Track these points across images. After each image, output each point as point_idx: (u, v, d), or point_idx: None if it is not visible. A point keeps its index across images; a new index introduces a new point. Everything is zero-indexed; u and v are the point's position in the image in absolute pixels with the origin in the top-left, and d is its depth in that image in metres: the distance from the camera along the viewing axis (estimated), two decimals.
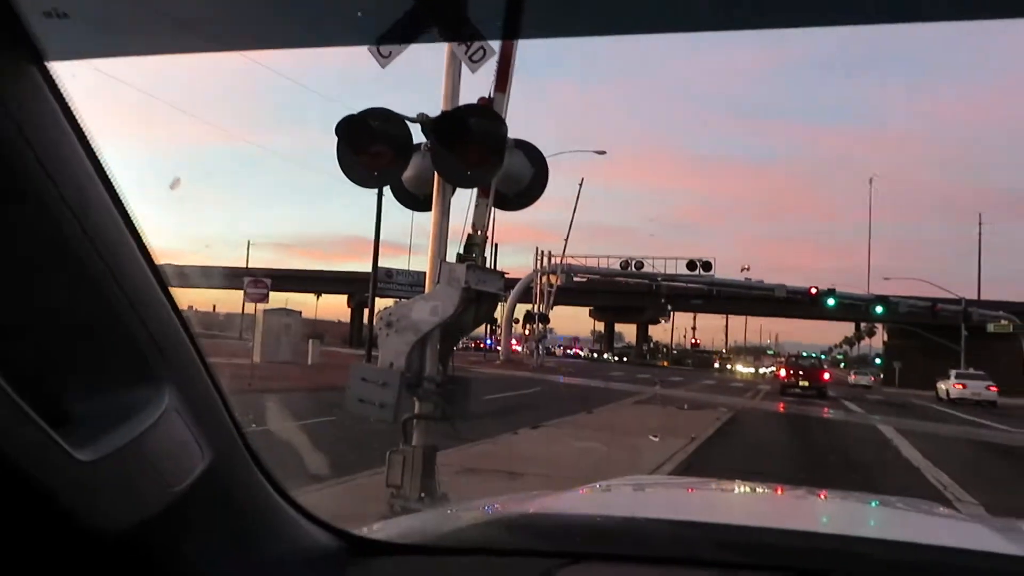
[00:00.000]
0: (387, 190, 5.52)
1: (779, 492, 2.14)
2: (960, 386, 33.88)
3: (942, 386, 36.14)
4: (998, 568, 1.16)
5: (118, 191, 0.78)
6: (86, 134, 0.74)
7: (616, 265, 55.35)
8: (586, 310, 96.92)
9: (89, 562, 0.82)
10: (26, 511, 0.69)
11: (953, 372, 35.69)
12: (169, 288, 0.84)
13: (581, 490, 1.73)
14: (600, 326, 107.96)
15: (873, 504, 1.98)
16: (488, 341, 62.89)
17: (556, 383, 30.52)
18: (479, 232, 5.29)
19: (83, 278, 0.73)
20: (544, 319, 50.29)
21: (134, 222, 0.79)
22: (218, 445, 0.89)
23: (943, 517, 2.00)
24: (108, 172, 0.77)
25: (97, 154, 0.75)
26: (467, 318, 5.23)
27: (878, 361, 77.84)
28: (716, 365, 78.88)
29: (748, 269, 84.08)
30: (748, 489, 2.09)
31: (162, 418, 0.79)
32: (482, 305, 5.24)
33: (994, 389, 33.25)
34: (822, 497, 2.00)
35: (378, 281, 28.10)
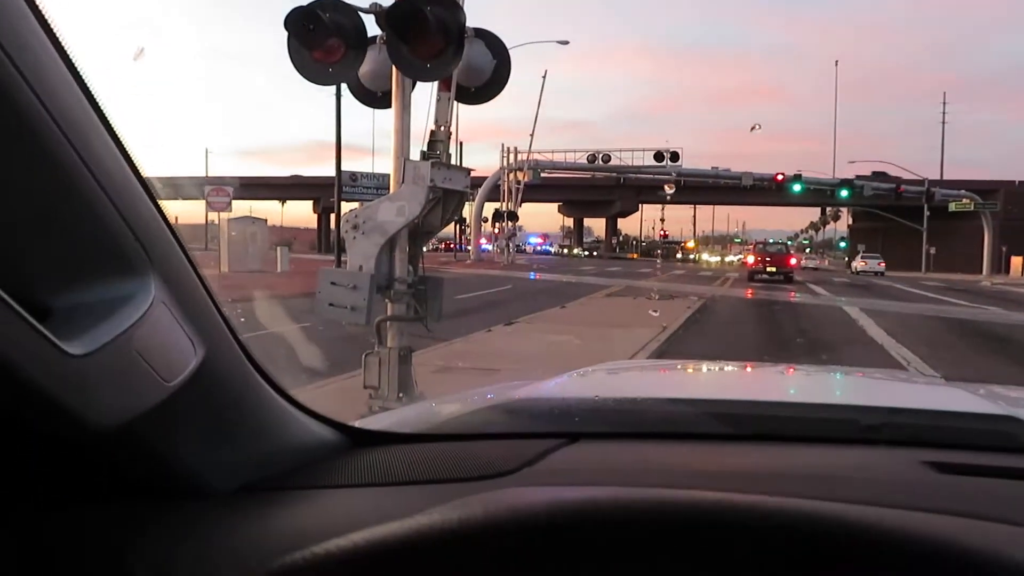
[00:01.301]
0: (346, 89, 5.33)
1: (762, 369, 2.17)
2: (863, 263, 51.08)
3: (853, 264, 53.63)
4: (985, 427, 1.19)
5: (82, 74, 0.73)
6: (42, 10, 0.69)
7: (583, 159, 54.98)
8: (555, 206, 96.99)
9: (88, 456, 0.82)
10: (19, 406, 0.68)
11: (860, 254, 53.54)
12: (144, 178, 0.80)
13: (564, 376, 1.73)
14: (569, 222, 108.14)
15: (854, 375, 2.02)
16: (458, 242, 62.84)
17: (527, 280, 30.72)
18: (442, 128, 5.15)
19: (53, 166, 0.69)
20: (513, 217, 50.18)
21: (99, 104, 0.75)
22: (209, 340, 0.87)
23: (921, 384, 2.07)
24: (71, 56, 0.72)
25: (56, 33, 0.70)
26: (434, 217, 5.19)
27: (842, 244, 79.16)
28: (679, 256, 79.32)
29: (759, 127, 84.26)
30: (730, 368, 2.11)
31: (150, 311, 0.77)
32: (449, 203, 5.18)
33: (882, 265, 49.87)
34: (805, 372, 2.04)
35: (343, 185, 27.61)
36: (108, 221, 0.75)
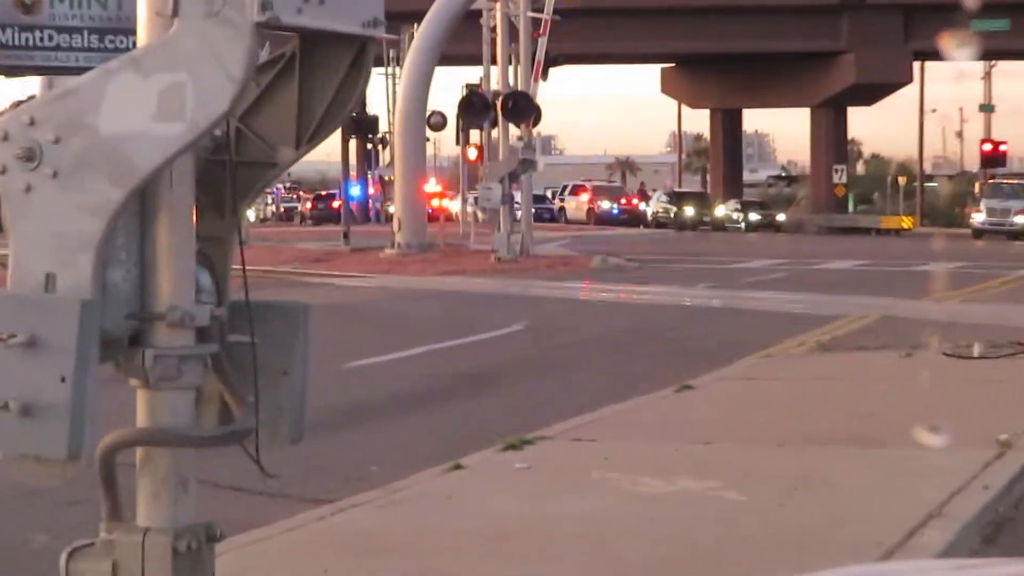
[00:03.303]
0: None
1: None
2: None
3: None
4: None
5: None
6: None
7: None
8: (650, 72, 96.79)
9: None
10: None
11: None
12: None
13: None
14: (702, 118, 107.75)
15: None
16: (353, 190, 62.70)
17: (573, 301, 31.39)
18: None
19: None
20: (524, 110, 50.31)
21: None
22: None
23: None
24: None
25: None
26: (275, 119, 5.37)
27: None
28: (977, 216, 78.19)
29: None
30: None
31: None
32: (322, 77, 5.32)
33: None
34: None
35: None
36: None
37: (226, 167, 5.32)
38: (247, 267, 5.46)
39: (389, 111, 53.64)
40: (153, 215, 5.15)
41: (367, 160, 60.40)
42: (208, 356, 5.24)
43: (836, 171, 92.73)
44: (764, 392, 16.91)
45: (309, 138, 5.41)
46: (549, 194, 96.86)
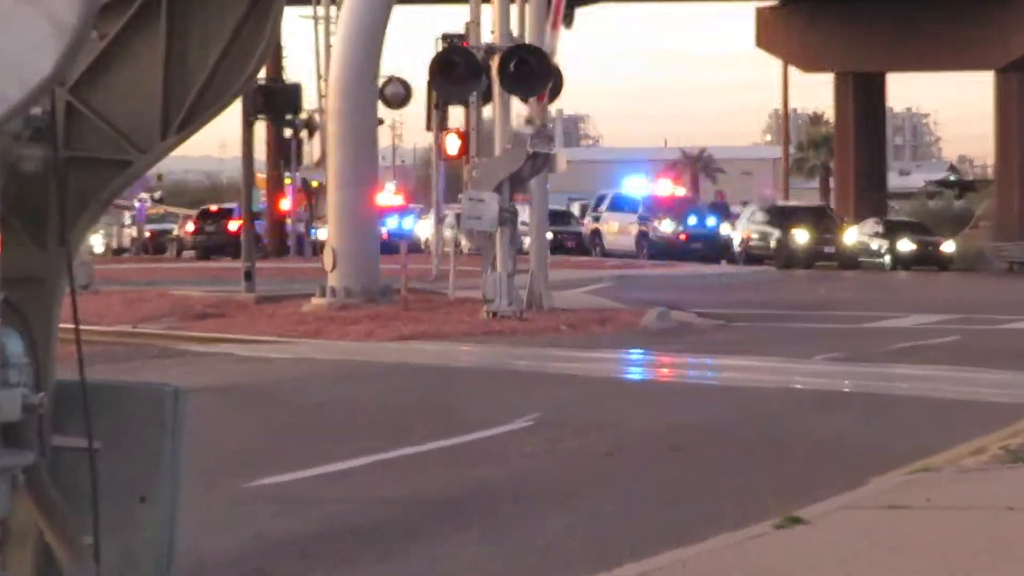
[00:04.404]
0: None
1: None
2: None
3: None
4: None
5: None
6: None
7: None
8: (741, 16, 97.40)
9: None
10: None
11: None
12: None
13: None
14: (822, 88, 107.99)
15: None
16: (260, 203, 63.13)
17: (607, 385, 31.55)
18: None
19: None
20: (536, 73, 50.55)
21: None
22: None
23: None
24: None
25: None
26: (131, 96, 5.37)
27: None
28: None
29: None
30: None
31: None
32: (200, 24, 5.34)
33: None
34: None
35: None
36: None
37: (50, 167, 5.27)
38: (87, 327, 5.40)
39: (319, 77, 54.00)
40: None
41: (284, 155, 60.67)
42: (19, 470, 5.18)
43: None
44: (919, 529, 16.90)
45: (183, 121, 5.38)
46: (577, 209, 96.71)
